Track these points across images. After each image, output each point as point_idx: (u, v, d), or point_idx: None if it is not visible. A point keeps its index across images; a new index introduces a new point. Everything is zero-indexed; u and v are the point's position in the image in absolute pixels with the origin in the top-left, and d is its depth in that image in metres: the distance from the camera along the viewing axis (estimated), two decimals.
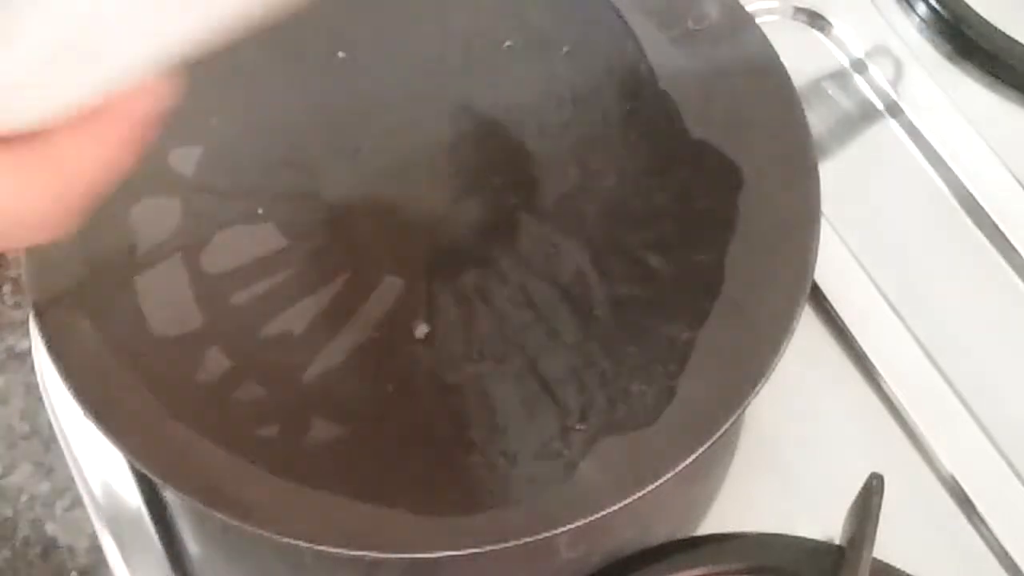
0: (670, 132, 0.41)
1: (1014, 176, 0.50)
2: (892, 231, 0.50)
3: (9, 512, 0.45)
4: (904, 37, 0.54)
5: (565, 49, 0.43)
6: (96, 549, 0.44)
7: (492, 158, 0.42)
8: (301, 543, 0.35)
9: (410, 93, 0.42)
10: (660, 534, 0.42)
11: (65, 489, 0.45)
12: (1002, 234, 0.49)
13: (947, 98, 0.52)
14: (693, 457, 0.35)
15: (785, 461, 0.45)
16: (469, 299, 0.39)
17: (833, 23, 0.54)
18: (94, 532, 0.44)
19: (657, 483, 0.35)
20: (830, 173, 0.43)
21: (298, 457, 0.36)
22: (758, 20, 0.43)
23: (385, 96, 0.42)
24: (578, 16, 0.43)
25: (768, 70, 0.42)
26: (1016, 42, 0.53)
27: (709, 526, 0.43)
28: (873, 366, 0.46)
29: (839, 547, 0.41)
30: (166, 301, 0.37)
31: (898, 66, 0.52)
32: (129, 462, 0.38)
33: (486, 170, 0.41)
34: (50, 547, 0.44)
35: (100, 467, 0.44)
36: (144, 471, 0.36)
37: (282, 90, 0.42)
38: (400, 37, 0.44)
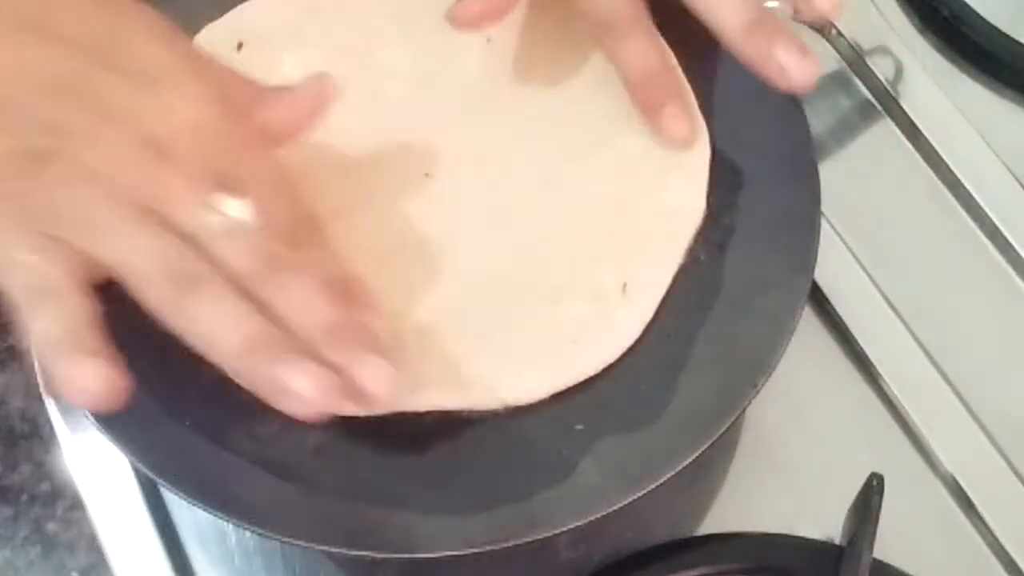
0: None
1: (1014, 176, 0.50)
2: (892, 231, 0.50)
3: (9, 512, 0.45)
4: (904, 37, 0.54)
5: None
6: (96, 549, 0.44)
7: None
8: (301, 543, 0.35)
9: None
10: (660, 534, 0.42)
11: (65, 489, 0.45)
12: (1002, 234, 0.49)
13: (947, 98, 0.52)
14: (693, 457, 0.35)
15: (785, 461, 0.45)
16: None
17: (833, 23, 0.54)
18: (94, 532, 0.44)
19: (657, 483, 0.35)
20: (830, 173, 0.43)
21: (298, 457, 0.36)
22: None
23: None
24: None
25: None
26: (1016, 42, 0.53)
27: (709, 526, 0.43)
28: (873, 366, 0.46)
29: (839, 547, 0.41)
30: None
31: (898, 66, 0.52)
32: (129, 462, 0.38)
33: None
34: (50, 547, 0.44)
35: (100, 467, 0.44)
36: (144, 471, 0.36)
37: None
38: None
